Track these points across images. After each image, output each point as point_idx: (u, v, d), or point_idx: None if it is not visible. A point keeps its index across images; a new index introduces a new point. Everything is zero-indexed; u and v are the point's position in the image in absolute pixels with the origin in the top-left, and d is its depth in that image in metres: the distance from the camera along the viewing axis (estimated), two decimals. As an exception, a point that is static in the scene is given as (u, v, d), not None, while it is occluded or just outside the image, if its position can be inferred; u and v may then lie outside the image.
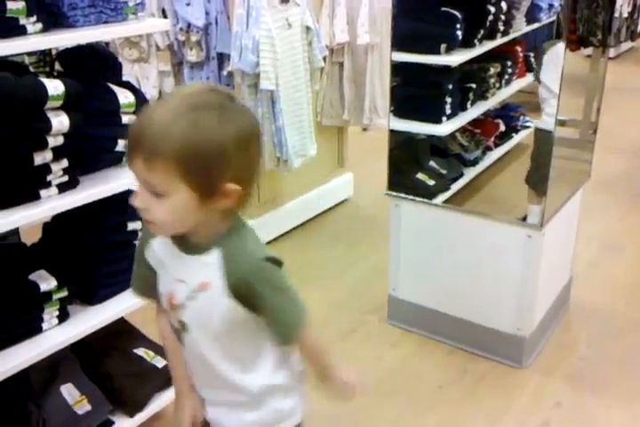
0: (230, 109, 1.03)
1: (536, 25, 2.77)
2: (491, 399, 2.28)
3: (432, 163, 2.78)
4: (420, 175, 2.68)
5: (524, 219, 2.33)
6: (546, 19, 2.68)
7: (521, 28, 2.81)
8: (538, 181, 2.29)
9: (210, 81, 3.05)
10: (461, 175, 2.83)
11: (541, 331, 2.52)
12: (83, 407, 1.83)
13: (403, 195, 2.52)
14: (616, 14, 6.38)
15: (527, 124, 3.18)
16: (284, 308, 1.14)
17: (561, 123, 2.19)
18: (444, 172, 2.77)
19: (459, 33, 2.51)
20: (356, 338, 2.65)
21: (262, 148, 1.20)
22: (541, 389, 2.33)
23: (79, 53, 1.81)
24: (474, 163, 2.95)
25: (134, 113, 1.77)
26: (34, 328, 1.67)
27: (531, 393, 2.31)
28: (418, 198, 2.51)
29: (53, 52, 2.11)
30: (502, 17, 2.66)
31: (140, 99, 1.79)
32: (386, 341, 2.63)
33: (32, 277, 1.66)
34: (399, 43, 2.42)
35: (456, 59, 2.54)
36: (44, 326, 1.68)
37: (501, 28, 2.71)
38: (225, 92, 1.05)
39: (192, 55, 3.02)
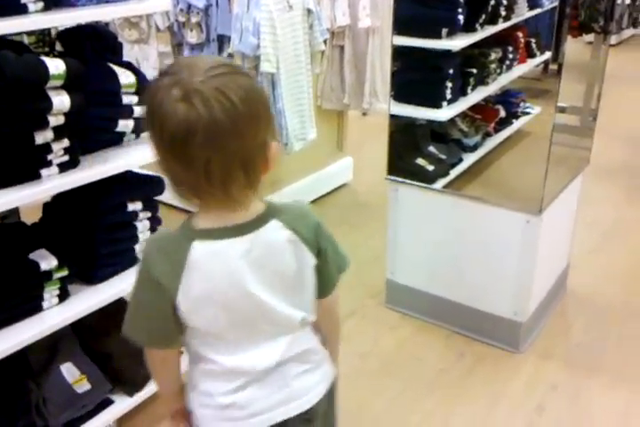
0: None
1: (538, 10, 2.75)
2: (487, 382, 2.31)
3: (432, 148, 2.78)
4: (419, 160, 2.68)
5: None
6: (548, 4, 2.67)
7: (523, 13, 2.79)
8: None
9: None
10: (461, 161, 2.82)
11: (538, 316, 2.53)
12: (82, 386, 1.84)
13: (402, 180, 2.53)
14: (618, 1, 6.34)
15: (527, 110, 3.17)
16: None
17: (561, 109, 2.19)
18: (443, 157, 2.77)
19: (460, 17, 2.49)
20: (355, 321, 2.67)
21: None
22: (537, 373, 2.35)
23: (80, 33, 1.80)
24: (473, 148, 2.94)
25: (135, 93, 1.77)
26: (34, 307, 1.68)
27: (527, 377, 2.33)
28: (417, 183, 2.51)
29: (53, 32, 2.10)
30: (504, 1, 2.64)
31: (141, 79, 1.78)
32: (384, 324, 2.65)
33: (32, 256, 1.67)
34: (400, 26, 2.41)
35: (457, 43, 2.52)
36: (45, 304, 1.69)
37: (503, 12, 2.69)
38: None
39: (192, 37, 3.00)
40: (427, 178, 2.56)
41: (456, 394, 2.26)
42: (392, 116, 2.53)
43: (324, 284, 1.20)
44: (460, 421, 2.14)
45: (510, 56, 2.93)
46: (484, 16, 2.59)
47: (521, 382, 2.31)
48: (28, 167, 1.54)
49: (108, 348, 1.99)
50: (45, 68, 1.48)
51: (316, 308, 1.21)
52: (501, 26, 2.71)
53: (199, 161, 0.94)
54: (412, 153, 2.69)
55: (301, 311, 1.16)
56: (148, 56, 3.16)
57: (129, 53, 3.09)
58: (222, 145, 0.94)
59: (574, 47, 2.19)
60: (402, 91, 2.54)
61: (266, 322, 1.13)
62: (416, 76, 2.57)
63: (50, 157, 1.56)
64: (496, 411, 2.18)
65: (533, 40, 2.99)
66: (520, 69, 2.96)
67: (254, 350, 1.14)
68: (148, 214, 1.90)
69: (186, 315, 1.09)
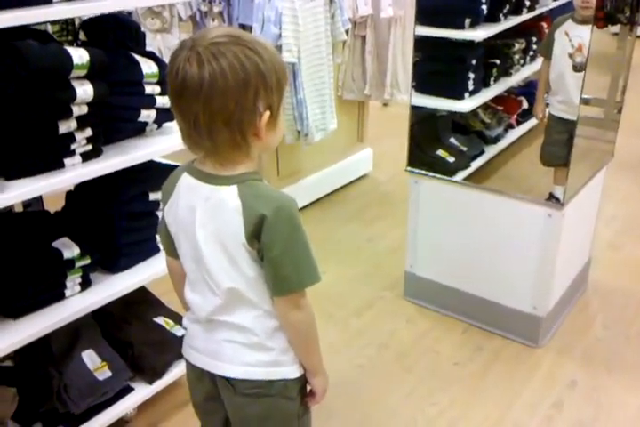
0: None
1: (563, 0, 2.71)
2: (505, 377, 2.30)
3: (453, 139, 2.76)
4: (440, 152, 2.66)
5: (548, 199, 2.31)
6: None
7: (547, 3, 2.76)
8: (553, 157, 2.27)
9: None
10: (482, 153, 2.81)
11: (558, 311, 2.52)
12: (103, 373, 1.86)
13: (422, 171, 2.51)
14: (646, -9, 6.20)
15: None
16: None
17: (585, 101, 2.16)
18: (464, 149, 2.75)
19: (484, 7, 2.46)
20: (372, 313, 2.67)
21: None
22: (556, 368, 2.34)
23: (103, 23, 1.80)
24: (495, 140, 2.92)
25: (158, 83, 1.77)
26: (57, 295, 1.69)
27: (545, 372, 2.32)
28: (437, 175, 2.50)
29: (77, 22, 2.11)
30: (528, -9, 2.61)
31: (163, 69, 1.78)
32: (402, 317, 2.64)
33: (55, 244, 1.68)
34: (423, 16, 2.39)
35: (480, 34, 2.50)
36: (67, 292, 1.71)
37: (527, 2, 2.65)
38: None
39: (214, 26, 3.00)
40: (447, 170, 2.54)
41: (473, 389, 2.25)
42: (413, 107, 2.51)
43: (267, 281, 1.20)
44: (476, 416, 2.14)
45: (534, 47, 2.90)
46: (507, 6, 2.56)
47: (539, 377, 2.30)
48: (51, 156, 1.55)
49: (129, 336, 2.01)
50: (69, 57, 1.49)
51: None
52: (525, 16, 2.68)
53: (190, 114, 1.09)
54: (432, 144, 2.68)
55: (231, 282, 1.19)
56: (170, 45, 3.16)
57: (151, 43, 3.09)
58: (206, 102, 1.06)
59: (599, 38, 2.15)
60: (423, 81, 2.52)
61: (202, 272, 1.22)
62: (438, 67, 2.55)
63: (73, 146, 1.57)
64: (513, 406, 2.17)
65: (558, 31, 2.95)
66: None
67: (197, 294, 1.26)
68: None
69: (173, 236, 1.27)
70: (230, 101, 1.06)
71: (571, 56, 2.15)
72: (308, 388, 1.36)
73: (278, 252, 1.15)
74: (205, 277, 1.21)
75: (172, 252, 1.31)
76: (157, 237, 1.36)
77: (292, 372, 1.29)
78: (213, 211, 1.15)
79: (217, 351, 1.27)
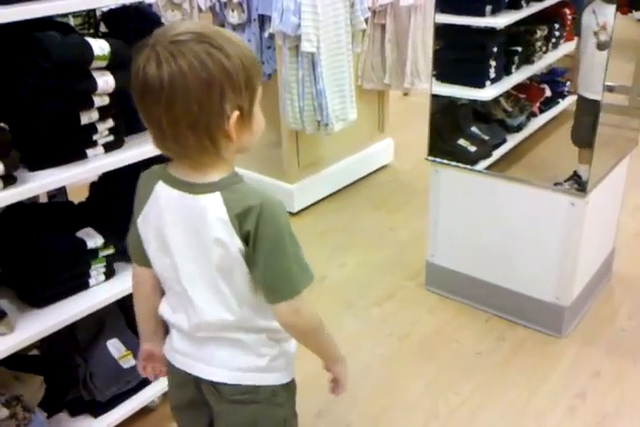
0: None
1: (586, -14, 2.66)
2: (528, 368, 2.28)
3: (474, 128, 2.74)
4: (461, 141, 2.64)
5: (567, 180, 2.29)
6: (597, -20, 2.58)
7: (570, -12, 2.72)
8: (581, 138, 2.25)
9: (251, 43, 3.03)
10: (504, 141, 2.78)
11: (582, 301, 2.49)
12: (128, 362, 1.89)
13: (443, 160, 2.50)
14: (672, -25, 6.08)
15: (574, 89, 3.09)
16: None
17: (609, 89, 2.13)
18: (486, 138, 2.72)
19: (505, -7, 2.43)
20: (394, 303, 2.67)
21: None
22: (580, 358, 2.32)
23: (124, 14, 1.81)
24: (517, 129, 2.89)
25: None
26: (81, 284, 1.72)
27: (569, 362, 2.30)
28: (459, 164, 2.48)
29: (98, 13, 2.12)
30: (551, -23, 2.57)
31: (184, 59, 1.78)
32: (423, 306, 2.64)
33: (79, 234, 1.71)
34: (443, 4, 2.37)
35: (501, 21, 2.47)
36: (91, 282, 1.73)
37: (551, -12, 2.62)
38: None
39: (233, 17, 3.00)
40: (468, 159, 2.52)
41: (495, 378, 2.25)
42: (434, 96, 2.49)
43: (261, 287, 1.14)
44: (498, 406, 2.13)
45: (557, 34, 2.86)
46: (530, -8, 2.53)
47: (563, 367, 2.28)
48: (74, 147, 1.57)
49: (152, 325, 2.03)
50: (90, 48, 1.50)
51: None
52: (548, 2, 2.64)
53: (153, 117, 1.03)
54: (453, 134, 2.66)
55: (217, 312, 1.14)
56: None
57: (171, 34, 3.10)
58: (167, 105, 0.99)
59: (623, 24, 2.11)
60: (444, 70, 2.50)
61: (184, 296, 1.17)
62: (459, 55, 2.52)
63: (95, 137, 1.59)
64: (536, 397, 2.16)
65: (581, 17, 2.91)
66: (567, 47, 2.89)
67: (180, 314, 1.21)
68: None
69: (145, 246, 1.20)
70: (193, 104, 0.99)
71: (595, 34, 2.11)
72: (330, 376, 1.34)
73: (266, 252, 1.08)
74: (187, 301, 1.16)
75: (143, 260, 1.24)
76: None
77: (282, 378, 1.26)
78: (195, 223, 1.09)
79: (205, 355, 1.22)
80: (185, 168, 1.09)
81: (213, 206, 1.07)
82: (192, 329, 1.20)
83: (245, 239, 1.07)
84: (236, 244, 1.07)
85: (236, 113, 1.03)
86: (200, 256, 1.12)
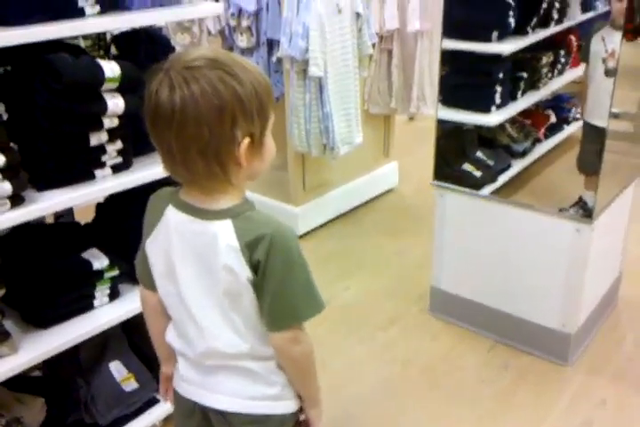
0: None
1: (591, 13, 2.69)
2: (533, 396, 2.25)
3: (479, 153, 2.75)
4: (466, 166, 2.65)
5: (572, 206, 2.29)
6: (602, 7, 2.61)
7: (576, 16, 2.74)
8: (586, 165, 2.26)
9: (259, 67, 3.06)
10: (509, 167, 2.78)
11: (588, 328, 2.47)
12: (130, 385, 1.87)
13: (448, 185, 2.50)
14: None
15: (579, 115, 3.10)
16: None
17: (614, 115, 2.14)
18: (491, 163, 2.73)
19: (511, 20, 2.45)
20: (398, 328, 2.65)
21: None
22: (586, 387, 2.29)
23: (134, 37, 1.83)
24: (522, 154, 2.89)
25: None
26: (86, 305, 1.71)
27: (575, 391, 2.27)
28: (464, 189, 2.48)
29: (108, 36, 2.14)
30: (556, 4, 2.59)
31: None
32: (427, 332, 2.62)
33: (85, 255, 1.70)
34: (450, 30, 2.39)
35: (508, 47, 2.49)
36: (96, 303, 1.73)
37: (555, 15, 2.64)
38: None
39: (242, 41, 3.03)
40: (473, 184, 2.52)
41: (500, 407, 2.21)
42: (439, 121, 2.50)
43: (264, 314, 1.12)
44: (504, 433, 2.10)
45: (562, 60, 2.88)
46: (535, 19, 2.55)
47: (568, 396, 2.25)
48: (83, 168, 1.57)
49: (155, 347, 2.01)
50: (101, 70, 1.51)
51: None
52: (554, 29, 2.66)
53: (163, 142, 1.03)
54: (458, 158, 2.67)
55: (231, 333, 1.13)
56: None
57: (180, 57, 3.13)
58: (178, 130, 0.99)
59: (629, 51, 2.13)
60: (450, 95, 2.52)
61: (190, 322, 1.16)
62: (465, 81, 2.54)
63: (104, 158, 1.59)
64: (542, 426, 2.12)
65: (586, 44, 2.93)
66: (572, 73, 2.91)
67: (183, 339, 1.20)
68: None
69: (151, 266, 1.19)
70: (204, 129, 0.99)
71: (604, 61, 2.13)
72: (302, 417, 1.29)
73: (275, 282, 1.07)
74: (193, 328, 1.15)
75: (150, 283, 1.23)
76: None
77: (292, 406, 1.24)
78: (204, 248, 1.08)
79: (214, 383, 1.20)
80: (195, 193, 1.09)
81: (224, 234, 1.06)
82: (200, 357, 1.19)
83: (255, 268, 1.07)
84: (246, 272, 1.07)
85: (247, 140, 1.03)
86: (208, 282, 1.11)
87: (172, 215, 1.12)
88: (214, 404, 1.21)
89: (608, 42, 2.14)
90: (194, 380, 1.23)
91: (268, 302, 1.09)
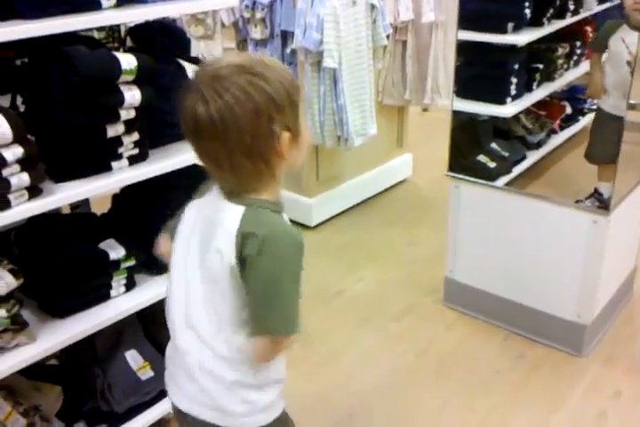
0: None
1: (607, 4, 2.67)
2: (547, 386, 2.26)
3: (494, 145, 2.74)
4: (480, 157, 2.65)
5: (587, 197, 2.28)
6: (616, -1, 2.59)
7: (592, 7, 2.72)
8: (597, 155, 2.24)
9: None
10: (524, 158, 2.78)
11: (603, 319, 2.46)
12: (146, 373, 1.89)
13: (463, 176, 2.49)
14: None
15: (594, 106, 3.08)
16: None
17: (631, 106, 2.12)
18: (505, 154, 2.72)
19: (527, 11, 2.44)
20: (411, 319, 2.66)
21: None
22: (601, 378, 2.29)
23: (150, 29, 1.84)
24: (537, 146, 2.89)
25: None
26: (103, 295, 1.73)
27: (589, 382, 2.27)
28: (478, 180, 2.47)
29: (122, 29, 2.16)
30: (572, -5, 2.58)
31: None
32: (441, 323, 2.62)
33: (102, 245, 1.72)
34: (465, 21, 2.38)
35: (523, 38, 2.48)
36: (112, 293, 1.74)
37: (571, 6, 2.63)
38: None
39: (256, 32, 3.03)
40: (488, 175, 2.52)
41: (513, 398, 2.22)
42: (454, 112, 2.50)
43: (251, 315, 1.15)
44: (517, 426, 2.10)
45: (578, 51, 2.87)
46: (551, 10, 2.54)
47: (583, 387, 2.25)
48: (99, 160, 1.58)
49: (170, 337, 2.03)
50: (118, 63, 1.52)
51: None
52: (569, 20, 2.65)
53: (210, 155, 1.08)
54: (473, 150, 2.66)
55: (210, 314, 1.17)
56: (213, 52, 3.21)
57: (195, 49, 3.14)
58: (223, 140, 1.04)
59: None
60: (465, 86, 2.51)
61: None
62: (480, 72, 2.54)
63: (120, 149, 1.60)
64: (556, 417, 2.13)
65: (602, 35, 2.91)
66: (588, 65, 2.89)
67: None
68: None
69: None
70: (245, 133, 1.04)
71: (629, 63, 2.11)
72: None
73: (262, 280, 1.10)
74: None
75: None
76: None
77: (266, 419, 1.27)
78: (210, 225, 1.14)
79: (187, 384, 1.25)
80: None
81: (231, 217, 1.11)
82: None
83: (242, 261, 1.09)
84: (231, 259, 1.10)
85: (287, 133, 1.08)
86: (201, 259, 1.16)
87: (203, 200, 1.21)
88: (188, 410, 1.29)
89: (629, 44, 2.12)
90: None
91: (251, 304, 1.13)
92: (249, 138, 1.04)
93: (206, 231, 1.15)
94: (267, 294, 1.11)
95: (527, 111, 2.88)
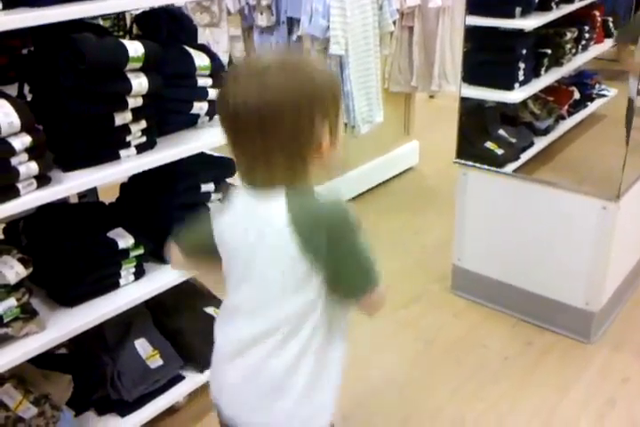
0: None
1: (616, -11, 2.64)
2: (556, 373, 2.26)
3: (501, 131, 2.72)
4: (488, 144, 2.63)
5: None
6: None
7: (600, -10, 2.69)
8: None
9: (279, 46, 3.04)
10: (532, 144, 2.75)
11: (611, 306, 2.46)
12: (155, 362, 1.90)
13: (471, 163, 2.48)
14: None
15: (603, 92, 3.06)
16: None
17: (640, 91, 2.10)
18: (513, 140, 2.70)
19: (535, -5, 2.42)
20: (420, 307, 2.65)
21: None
22: (609, 364, 2.28)
23: (156, 17, 1.83)
24: (545, 132, 2.86)
25: (209, 76, 1.78)
26: (112, 284, 1.73)
27: (598, 369, 2.27)
28: (486, 167, 2.46)
29: (128, 17, 2.14)
30: (581, -21, 2.55)
31: (216, 62, 1.80)
32: (449, 310, 2.62)
33: (110, 234, 1.72)
34: (472, 6, 2.35)
35: (531, 23, 2.45)
36: (122, 281, 1.75)
37: (580, -10, 2.59)
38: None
39: (262, 19, 3.01)
40: (496, 162, 2.50)
41: (522, 384, 2.22)
42: (461, 99, 2.48)
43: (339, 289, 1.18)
44: (525, 412, 2.10)
45: (586, 36, 2.83)
46: (559, -6, 2.50)
47: (591, 373, 2.25)
48: (107, 148, 1.58)
49: (180, 324, 2.04)
50: (125, 50, 1.51)
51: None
52: (577, 4, 2.62)
53: (247, 148, 1.06)
54: (480, 136, 2.64)
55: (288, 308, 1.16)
56: (219, 40, 3.18)
57: (200, 37, 3.11)
58: (263, 135, 1.02)
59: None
60: (473, 72, 2.48)
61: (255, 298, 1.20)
62: (487, 57, 2.51)
63: (128, 138, 1.60)
64: (564, 403, 2.13)
65: (610, 19, 2.87)
66: (596, 49, 2.86)
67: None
68: (220, 195, 1.93)
69: (220, 251, 1.22)
70: (286, 130, 1.03)
71: None
72: None
73: (346, 250, 1.12)
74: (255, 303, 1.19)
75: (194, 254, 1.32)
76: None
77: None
78: (263, 228, 1.10)
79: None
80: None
81: (278, 210, 1.07)
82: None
83: (312, 247, 1.08)
84: (293, 250, 1.08)
85: (327, 131, 1.06)
86: (271, 256, 1.13)
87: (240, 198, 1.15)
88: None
89: None
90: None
91: (346, 265, 1.17)
92: (289, 133, 1.03)
93: (260, 234, 1.11)
94: (355, 259, 1.16)
95: (535, 97, 2.85)
